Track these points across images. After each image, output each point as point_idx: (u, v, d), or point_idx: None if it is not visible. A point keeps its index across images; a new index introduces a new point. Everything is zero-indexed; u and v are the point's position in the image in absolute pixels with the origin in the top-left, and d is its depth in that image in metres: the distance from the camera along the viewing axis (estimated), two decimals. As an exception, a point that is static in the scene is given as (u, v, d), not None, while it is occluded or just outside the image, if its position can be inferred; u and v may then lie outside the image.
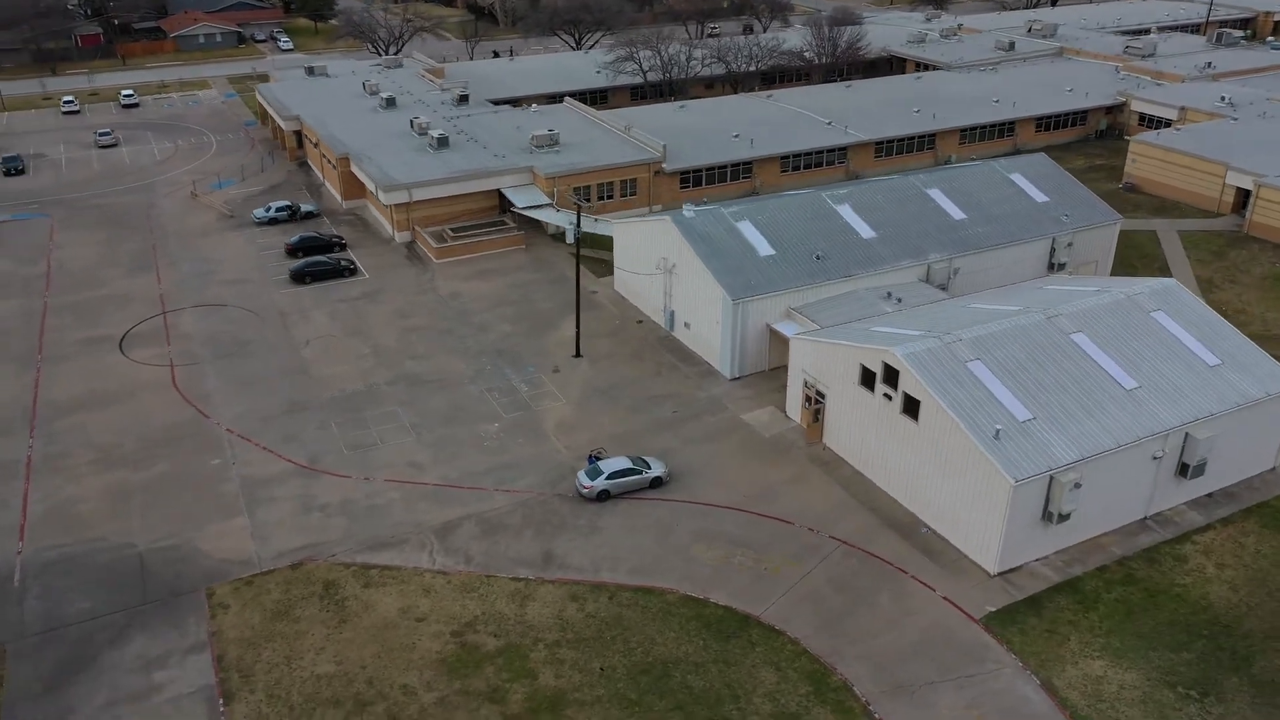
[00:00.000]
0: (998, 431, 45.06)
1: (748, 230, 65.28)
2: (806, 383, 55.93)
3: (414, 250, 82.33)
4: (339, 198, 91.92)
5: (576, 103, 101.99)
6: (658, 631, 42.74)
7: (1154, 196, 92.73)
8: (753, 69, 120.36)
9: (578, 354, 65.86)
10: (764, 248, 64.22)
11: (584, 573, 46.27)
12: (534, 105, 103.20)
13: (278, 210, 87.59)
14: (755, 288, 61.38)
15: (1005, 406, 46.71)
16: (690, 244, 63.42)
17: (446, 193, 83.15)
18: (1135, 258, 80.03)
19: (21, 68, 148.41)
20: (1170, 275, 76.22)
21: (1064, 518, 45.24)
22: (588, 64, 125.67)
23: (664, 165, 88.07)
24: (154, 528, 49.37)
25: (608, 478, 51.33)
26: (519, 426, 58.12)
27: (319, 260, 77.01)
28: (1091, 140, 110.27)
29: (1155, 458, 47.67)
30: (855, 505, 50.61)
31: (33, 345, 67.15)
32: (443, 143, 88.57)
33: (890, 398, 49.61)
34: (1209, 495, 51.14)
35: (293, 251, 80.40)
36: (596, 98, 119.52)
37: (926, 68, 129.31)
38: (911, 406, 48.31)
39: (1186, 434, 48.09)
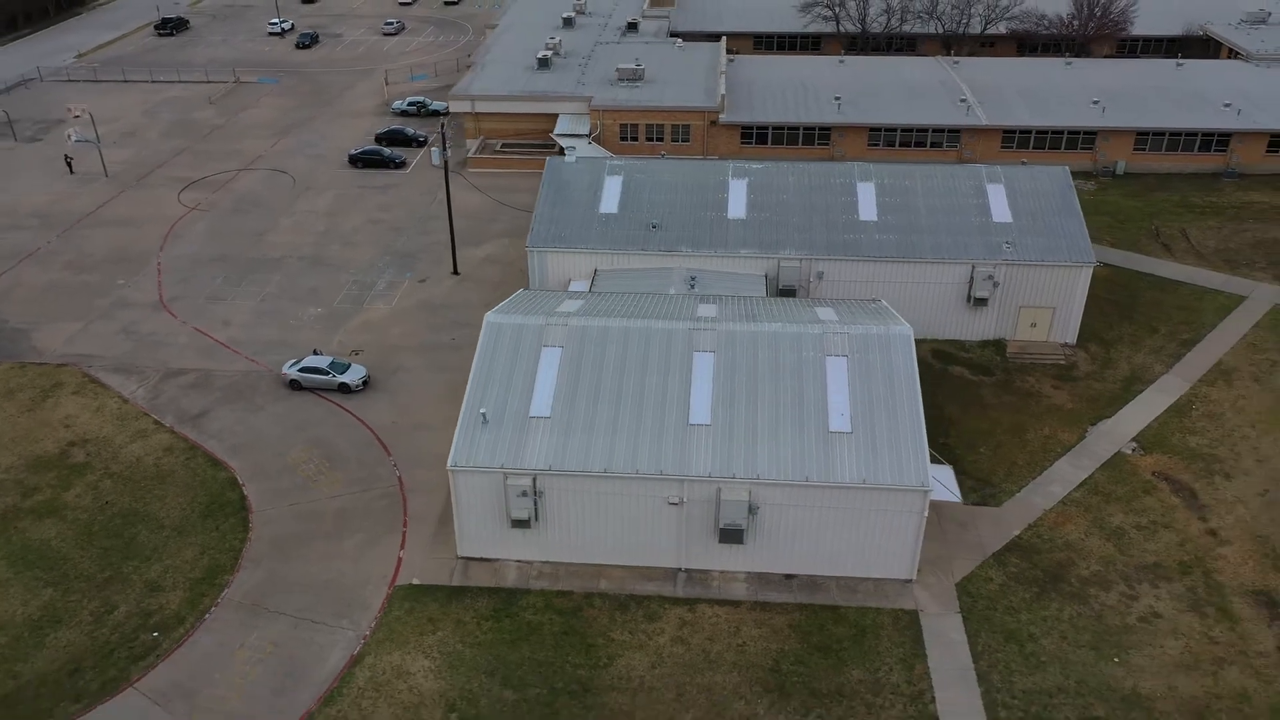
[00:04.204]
0: (484, 415, 43.28)
1: (610, 185, 63.80)
2: (521, 339, 55.69)
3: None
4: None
5: (723, 44, 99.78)
6: (177, 496, 48.99)
7: (1323, 258, 69.29)
8: (977, 31, 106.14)
9: (455, 271, 70.17)
10: (610, 205, 62.63)
11: (202, 436, 53.35)
12: (679, 40, 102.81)
13: (409, 104, 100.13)
14: (560, 240, 60.77)
15: (533, 398, 44.16)
16: (542, 186, 63.99)
17: (507, 109, 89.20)
18: (1173, 320, 62.51)
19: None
20: (1189, 349, 59.60)
21: (521, 524, 42.52)
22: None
23: (720, 116, 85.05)
24: (32, 314, 65.29)
25: (300, 370, 57.07)
26: (332, 317, 65.06)
27: (374, 150, 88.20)
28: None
29: (671, 503, 42.00)
30: (458, 460, 51.01)
31: (143, 174, 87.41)
32: (543, 64, 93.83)
33: (486, 364, 48.88)
34: (788, 576, 43.34)
35: (378, 140, 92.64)
36: (808, 44, 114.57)
37: (1235, 55, 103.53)
38: (482, 375, 47.43)
39: (719, 489, 41.48)
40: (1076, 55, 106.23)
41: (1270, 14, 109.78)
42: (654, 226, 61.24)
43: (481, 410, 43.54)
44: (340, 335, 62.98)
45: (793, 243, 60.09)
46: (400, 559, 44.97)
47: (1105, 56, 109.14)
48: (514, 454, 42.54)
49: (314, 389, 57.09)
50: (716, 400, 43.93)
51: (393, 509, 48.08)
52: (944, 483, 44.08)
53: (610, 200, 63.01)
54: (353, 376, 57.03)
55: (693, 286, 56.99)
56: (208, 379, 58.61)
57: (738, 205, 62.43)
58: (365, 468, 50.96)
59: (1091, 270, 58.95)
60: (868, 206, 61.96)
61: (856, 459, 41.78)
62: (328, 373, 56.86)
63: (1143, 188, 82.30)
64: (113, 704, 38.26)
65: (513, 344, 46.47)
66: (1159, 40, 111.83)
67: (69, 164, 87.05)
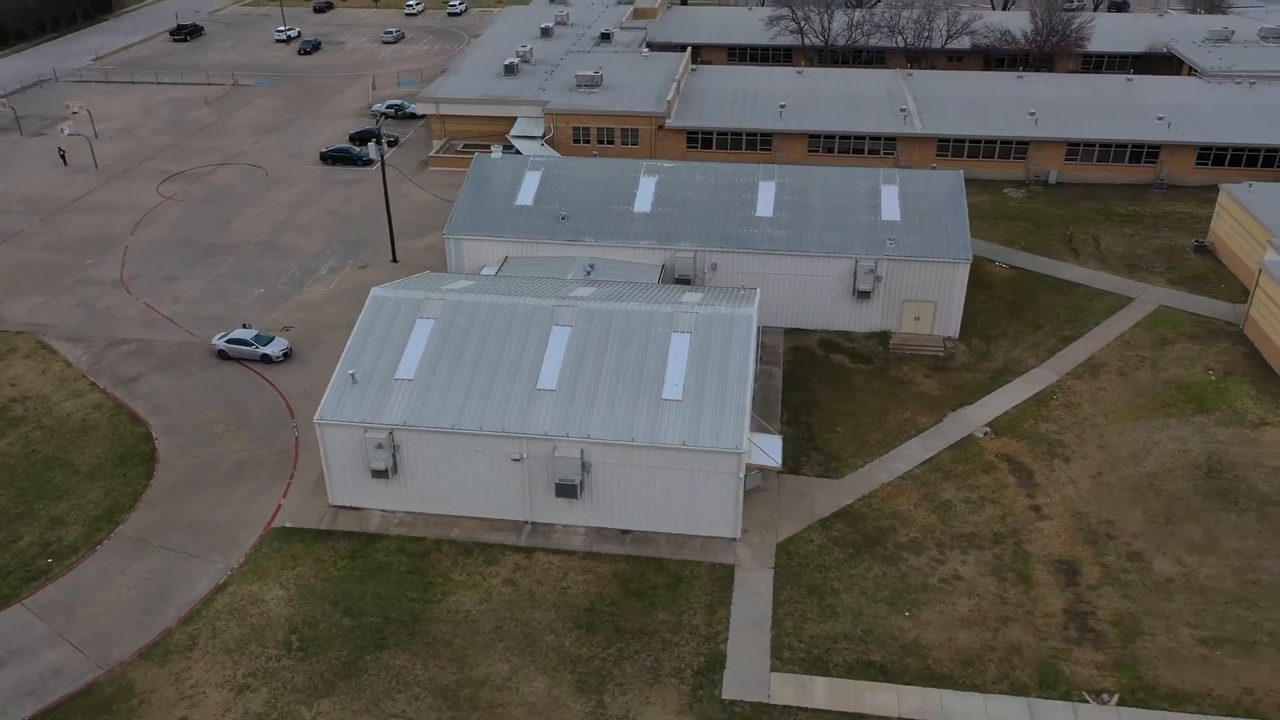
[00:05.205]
0: (352, 376, 47.83)
1: (529, 180, 68.28)
2: (425, 317, 60.21)
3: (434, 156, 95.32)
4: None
5: (687, 54, 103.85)
6: (96, 446, 54.23)
7: (1222, 266, 71.34)
8: (938, 46, 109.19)
9: (394, 259, 75.06)
10: (526, 198, 67.09)
11: (130, 397, 58.60)
12: (645, 49, 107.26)
13: (387, 107, 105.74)
14: (476, 229, 65.37)
15: (401, 362, 48.67)
16: (467, 179, 68.64)
17: (470, 112, 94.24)
18: (1059, 319, 65.28)
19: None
20: (1066, 345, 62.47)
21: (380, 474, 46.96)
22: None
23: (666, 121, 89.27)
24: (2, 288, 71.31)
25: (227, 341, 62.18)
26: (272, 296, 70.23)
27: (344, 148, 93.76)
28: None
29: (515, 459, 46.09)
30: (353, 423, 55.62)
31: (130, 167, 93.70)
32: (510, 70, 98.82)
33: (375, 334, 53.46)
34: (625, 531, 47.17)
35: (352, 139, 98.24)
36: (780, 56, 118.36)
37: (1194, 72, 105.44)
38: (366, 344, 52.02)
39: (555, 447, 45.49)
40: (1039, 70, 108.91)
41: (1234, 32, 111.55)
42: (563, 218, 65.59)
43: (350, 372, 48.15)
44: (276, 313, 68.06)
45: (689, 235, 64.03)
46: (280, 506, 49.64)
47: (1070, 72, 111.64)
48: (375, 411, 47.06)
49: (239, 359, 62.12)
50: (565, 368, 48.07)
51: (284, 463, 52.79)
52: (765, 449, 47.50)
53: (527, 193, 67.46)
54: (274, 348, 61.98)
55: (589, 273, 61.25)
56: (147, 348, 63.94)
57: (644, 200, 66.54)
58: (268, 428, 55.79)
59: (968, 266, 62.13)
60: (765, 204, 65.73)
61: (681, 423, 45.60)
62: (251, 344, 61.89)
63: (1070, 196, 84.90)
64: (0, 615, 43.37)
65: (391, 315, 51.04)
66: (1124, 56, 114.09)
67: (62, 156, 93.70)
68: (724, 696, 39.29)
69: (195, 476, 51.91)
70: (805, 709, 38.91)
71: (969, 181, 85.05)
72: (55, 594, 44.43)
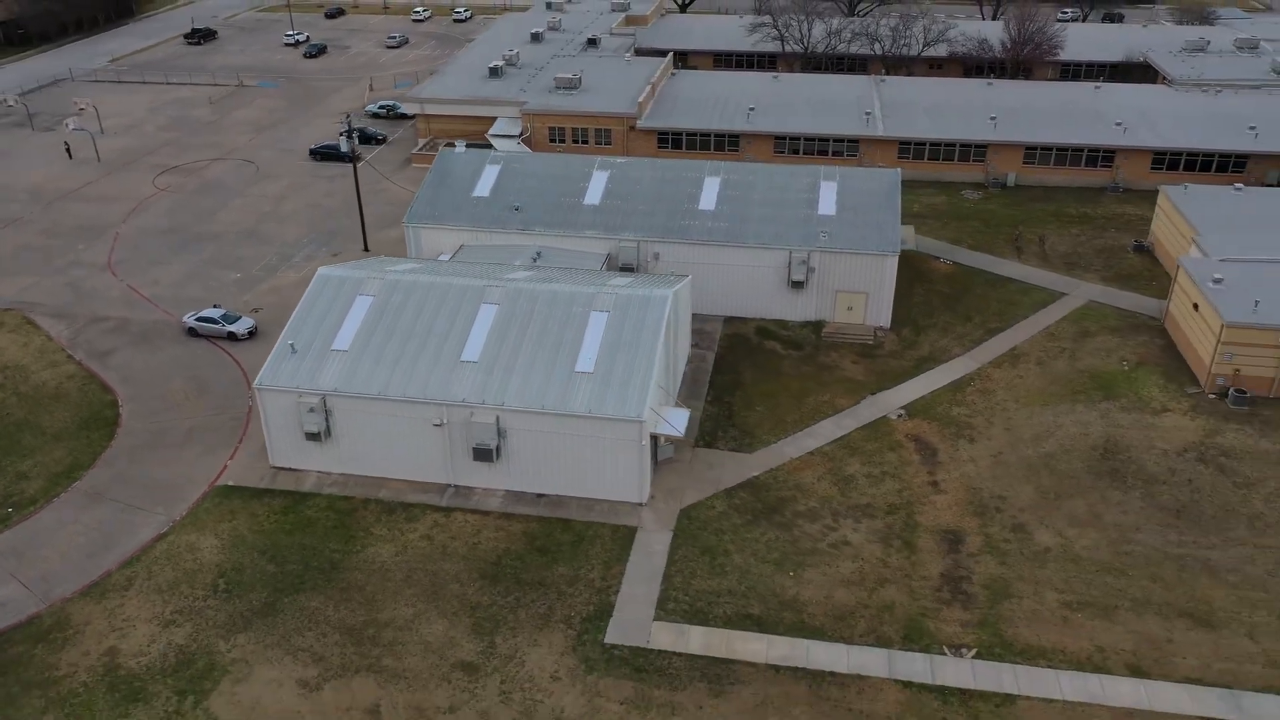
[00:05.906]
0: (292, 346, 51.55)
1: (488, 173, 71.96)
2: (379, 299, 63.85)
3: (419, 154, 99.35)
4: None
5: (669, 59, 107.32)
6: (64, 411, 58.49)
7: (1158, 264, 73.47)
8: (914, 54, 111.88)
9: (365, 248, 78.96)
10: (483, 190, 70.77)
11: (102, 369, 62.87)
12: (628, 55, 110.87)
13: (379, 107, 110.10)
14: (434, 218, 69.11)
15: (338, 334, 52.33)
16: (430, 172, 72.42)
17: (452, 112, 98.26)
18: (989, 311, 67.86)
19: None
20: (992, 336, 65.06)
21: (313, 437, 50.59)
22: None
23: (638, 122, 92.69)
24: (-3, 272, 76.53)
25: (197, 319, 66.27)
26: (247, 281, 74.38)
27: (332, 145, 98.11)
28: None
29: (436, 425, 49.51)
30: (303, 395, 59.32)
31: (129, 160, 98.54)
32: (494, 72, 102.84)
33: (322, 311, 57.16)
34: (540, 495, 50.42)
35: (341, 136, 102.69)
36: (764, 62, 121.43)
37: (1162, 79, 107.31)
38: (312, 319, 55.72)
39: (472, 413, 48.87)
40: (1015, 78, 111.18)
41: (1210, 42, 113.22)
42: (516, 209, 69.17)
43: (290, 342, 51.89)
44: (248, 295, 72.16)
45: (633, 226, 67.36)
46: (225, 466, 53.45)
47: (1047, 80, 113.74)
48: (310, 378, 50.76)
49: (208, 336, 66.22)
50: (489, 342, 51.52)
51: (236, 430, 56.63)
52: (669, 420, 50.58)
53: (485, 185, 71.15)
54: (240, 327, 65.99)
55: (536, 260, 64.72)
56: (124, 325, 68.23)
57: (595, 193, 69.98)
58: (226, 398, 59.71)
59: (896, 259, 64.90)
60: (709, 198, 68.91)
61: (590, 394, 48.88)
62: (218, 322, 65.98)
63: (1026, 198, 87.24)
64: (-41, 556, 47.58)
65: (334, 292, 54.78)
66: (1101, 66, 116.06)
67: (68, 150, 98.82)
68: (606, 641, 42.46)
69: (152, 440, 55.89)
70: (680, 654, 41.98)
71: (930, 183, 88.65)
72: (11, 539, 48.51)
